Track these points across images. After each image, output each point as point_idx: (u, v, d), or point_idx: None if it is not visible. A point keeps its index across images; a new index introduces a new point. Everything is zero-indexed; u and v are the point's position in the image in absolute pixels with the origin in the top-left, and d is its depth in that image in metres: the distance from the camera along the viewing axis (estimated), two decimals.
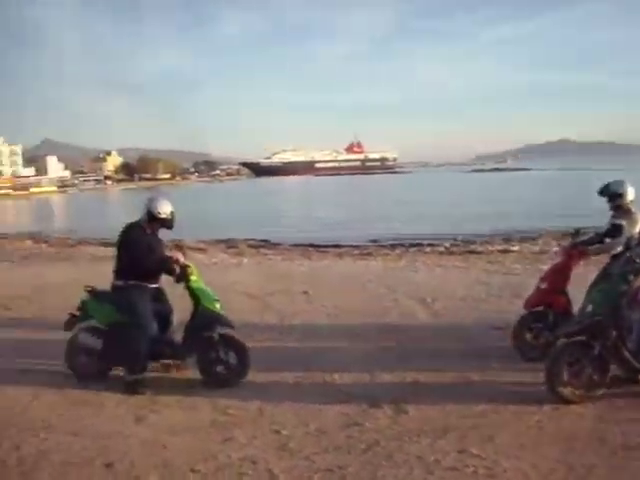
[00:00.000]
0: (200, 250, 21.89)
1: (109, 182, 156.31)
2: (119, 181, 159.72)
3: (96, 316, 7.49)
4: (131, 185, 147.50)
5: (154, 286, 7.52)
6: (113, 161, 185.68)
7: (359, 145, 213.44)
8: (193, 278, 7.47)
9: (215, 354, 7.18)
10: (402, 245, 22.23)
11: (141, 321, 7.17)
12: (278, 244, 23.87)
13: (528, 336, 7.69)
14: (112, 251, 21.05)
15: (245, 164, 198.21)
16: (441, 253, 19.11)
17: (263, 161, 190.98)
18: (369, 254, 19.40)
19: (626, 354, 6.15)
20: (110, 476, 5.00)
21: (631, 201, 7.70)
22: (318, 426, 5.89)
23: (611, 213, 7.85)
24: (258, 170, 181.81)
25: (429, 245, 21.62)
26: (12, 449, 5.56)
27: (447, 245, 21.44)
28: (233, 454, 5.32)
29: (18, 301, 12.21)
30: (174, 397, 6.80)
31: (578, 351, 6.24)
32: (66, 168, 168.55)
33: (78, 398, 6.83)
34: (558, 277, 7.80)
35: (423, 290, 11.68)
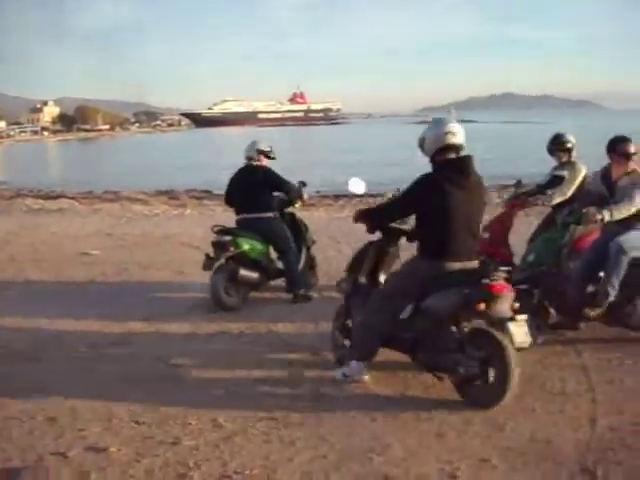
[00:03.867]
0: (140, 201, 21.62)
1: (46, 133, 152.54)
2: (56, 132, 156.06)
3: (249, 251, 8.21)
4: (69, 136, 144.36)
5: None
6: (50, 112, 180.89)
7: (302, 96, 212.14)
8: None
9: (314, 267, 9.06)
10: (345, 196, 22.23)
11: (294, 246, 8.57)
12: (220, 195, 23.67)
13: None
14: (44, 203, 20.91)
15: (186, 114, 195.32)
16: None
17: (204, 112, 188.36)
18: (312, 204, 19.33)
19: (566, 302, 6.27)
20: (52, 429, 4.92)
21: (575, 154, 7.80)
22: (261, 375, 5.90)
23: (554, 165, 7.95)
24: (199, 121, 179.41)
25: (371, 196, 21.65)
26: None
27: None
28: (177, 405, 5.30)
29: None
30: (117, 349, 6.74)
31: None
32: (1, 119, 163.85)
33: (20, 352, 6.70)
34: (499, 227, 7.90)
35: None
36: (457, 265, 5.29)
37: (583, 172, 7.61)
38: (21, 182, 33.72)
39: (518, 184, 8.33)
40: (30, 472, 4.27)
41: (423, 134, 5.50)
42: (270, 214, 8.50)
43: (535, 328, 6.28)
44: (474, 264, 5.40)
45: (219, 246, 8.12)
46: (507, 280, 5.19)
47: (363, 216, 5.85)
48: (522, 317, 5.17)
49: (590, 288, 6.50)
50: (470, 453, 4.41)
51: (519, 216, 8.37)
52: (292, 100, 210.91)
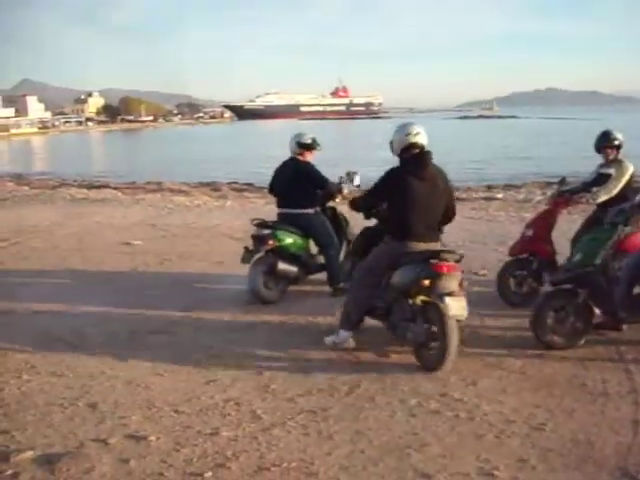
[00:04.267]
0: (182, 192, 21.80)
1: (90, 124, 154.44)
2: (100, 123, 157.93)
3: (289, 245, 8.21)
4: (113, 127, 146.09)
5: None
6: (95, 102, 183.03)
7: (345, 89, 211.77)
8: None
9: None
10: None
11: (335, 240, 8.50)
12: (262, 188, 23.79)
13: (512, 283, 7.72)
14: (88, 193, 21.17)
15: (228, 106, 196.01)
16: None
17: (247, 104, 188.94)
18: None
19: (611, 303, 6.19)
20: (94, 416, 4.99)
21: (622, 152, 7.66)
22: (301, 368, 5.92)
23: (600, 162, 7.83)
24: (242, 113, 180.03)
25: None
26: None
27: None
28: (216, 395, 5.33)
29: None
30: (157, 338, 6.80)
31: (564, 299, 6.28)
32: (47, 109, 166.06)
33: (61, 339, 6.80)
34: (543, 225, 7.80)
35: None
36: (421, 245, 6.11)
37: (630, 170, 7.48)
38: (65, 172, 34.22)
39: (562, 181, 8.20)
40: (71, 458, 4.33)
41: (392, 137, 6.33)
42: (311, 210, 8.45)
43: (578, 329, 6.24)
44: (437, 245, 6.24)
45: (258, 239, 8.13)
46: (457, 261, 5.95)
47: (352, 205, 6.68)
48: (461, 293, 5.92)
49: (638, 289, 6.38)
50: (509, 453, 4.37)
51: (563, 214, 8.26)
52: (334, 94, 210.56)
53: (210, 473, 4.15)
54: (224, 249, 10.94)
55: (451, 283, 5.85)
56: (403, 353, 6.17)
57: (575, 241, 7.95)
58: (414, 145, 6.16)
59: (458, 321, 5.84)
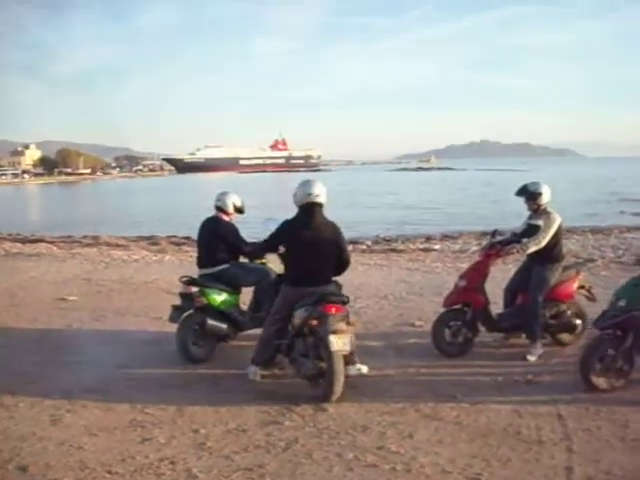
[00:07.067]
0: (120, 246, 21.52)
1: (27, 176, 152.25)
2: (37, 175, 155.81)
3: (218, 303, 8.03)
4: (50, 180, 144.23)
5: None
6: (32, 155, 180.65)
7: (284, 142, 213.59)
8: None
9: None
10: None
11: (264, 275, 8.38)
12: None
13: (447, 333, 7.81)
14: (22, 247, 20.77)
15: (168, 160, 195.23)
16: (363, 251, 19.25)
17: (187, 157, 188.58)
18: None
19: None
20: (24, 479, 4.85)
21: (547, 202, 7.90)
22: (237, 425, 5.85)
23: (528, 214, 8.07)
24: (181, 166, 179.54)
25: (351, 243, 21.70)
26: None
27: (369, 243, 21.62)
28: (151, 455, 5.24)
29: None
30: (91, 397, 6.65)
31: (611, 343, 6.55)
32: None
33: None
34: (476, 275, 7.96)
35: (344, 288, 11.68)
36: (311, 289, 6.74)
37: (557, 222, 7.74)
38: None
39: (494, 233, 8.41)
40: None
41: (296, 190, 7.01)
42: (226, 265, 8.26)
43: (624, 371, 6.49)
44: (329, 288, 6.89)
45: (187, 297, 8.00)
46: (344, 303, 6.71)
47: (252, 252, 8.11)
48: (347, 329, 6.55)
49: None
50: None
51: (497, 264, 8.43)
52: (273, 147, 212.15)
53: None
54: (162, 304, 10.78)
55: (337, 322, 6.47)
56: (341, 407, 6.18)
57: (508, 290, 8.17)
58: (313, 204, 6.89)
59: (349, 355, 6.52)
